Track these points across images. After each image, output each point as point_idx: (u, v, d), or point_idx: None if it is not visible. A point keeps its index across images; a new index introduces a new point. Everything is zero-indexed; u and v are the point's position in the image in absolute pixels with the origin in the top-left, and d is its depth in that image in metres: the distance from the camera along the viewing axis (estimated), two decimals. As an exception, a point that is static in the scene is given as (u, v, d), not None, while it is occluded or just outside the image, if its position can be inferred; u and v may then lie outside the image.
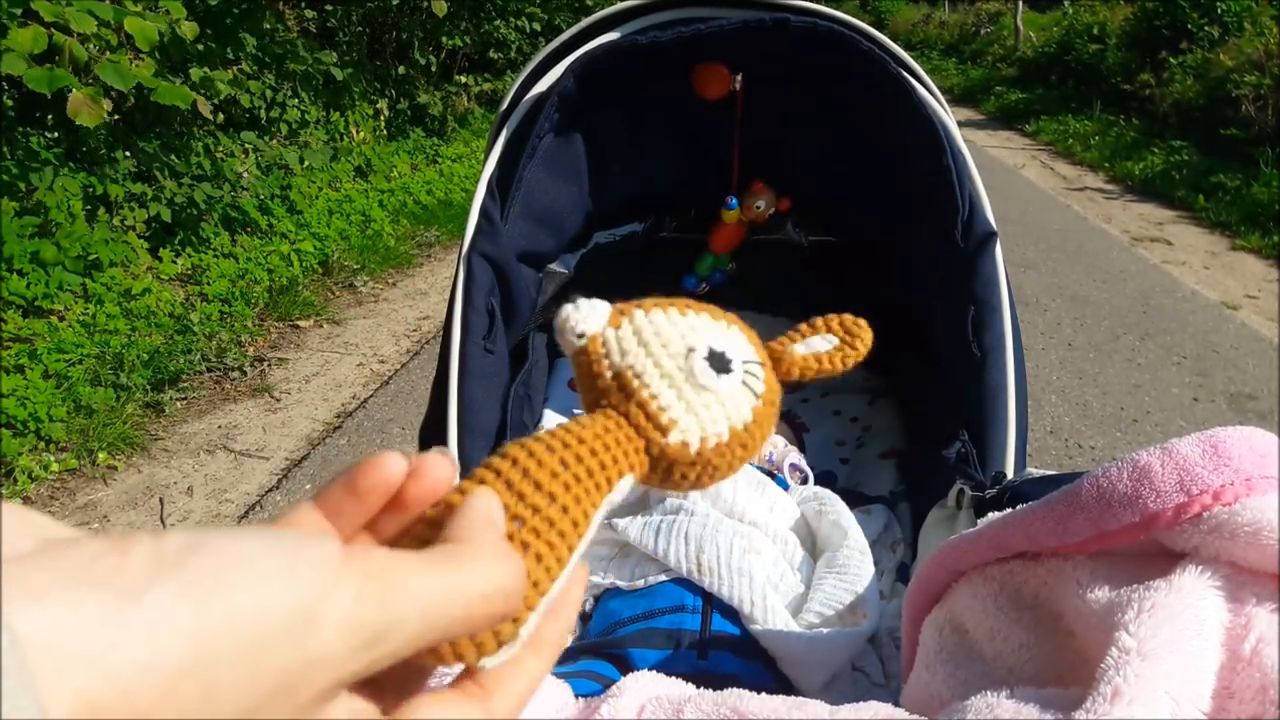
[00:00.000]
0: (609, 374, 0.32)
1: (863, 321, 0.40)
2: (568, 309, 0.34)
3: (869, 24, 0.99)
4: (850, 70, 0.96)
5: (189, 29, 2.73)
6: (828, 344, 0.39)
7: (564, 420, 1.40)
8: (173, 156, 3.37)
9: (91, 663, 0.17)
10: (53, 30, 2.24)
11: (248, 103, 3.86)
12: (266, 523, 0.23)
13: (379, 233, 4.13)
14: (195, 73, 3.22)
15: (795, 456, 1.04)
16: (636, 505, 0.92)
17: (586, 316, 0.33)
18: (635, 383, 0.32)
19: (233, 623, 0.19)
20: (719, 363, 0.33)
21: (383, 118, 5.25)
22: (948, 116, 0.96)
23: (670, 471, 0.32)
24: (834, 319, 0.40)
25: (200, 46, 3.28)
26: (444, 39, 5.31)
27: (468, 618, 0.24)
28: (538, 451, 0.28)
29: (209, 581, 0.19)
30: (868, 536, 0.89)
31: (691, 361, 0.32)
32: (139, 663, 0.18)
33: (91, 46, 2.50)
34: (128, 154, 3.25)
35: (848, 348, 0.39)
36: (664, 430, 0.31)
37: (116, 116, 3.26)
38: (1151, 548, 0.41)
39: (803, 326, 0.40)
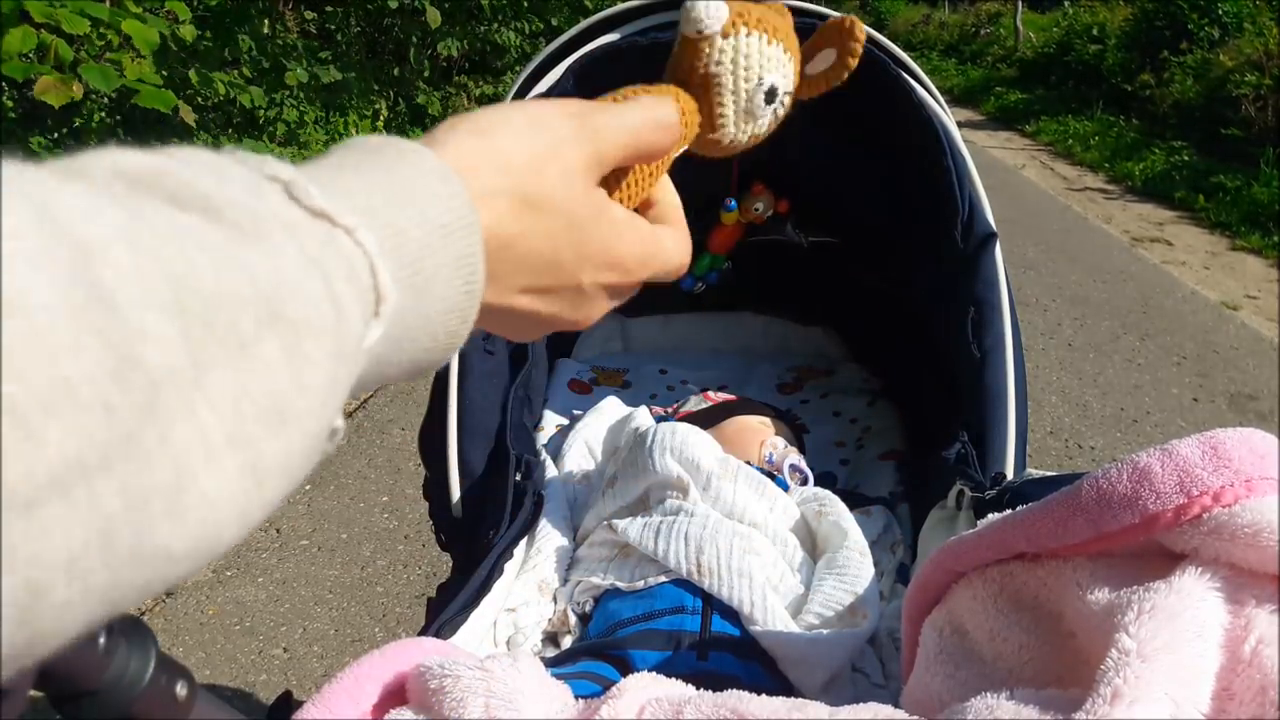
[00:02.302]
0: (701, 71, 0.43)
1: (856, 21, 0.46)
2: (700, 3, 0.41)
3: (868, 24, 0.99)
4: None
5: (188, 31, 2.72)
6: (827, 61, 0.46)
7: (563, 422, 1.37)
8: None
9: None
10: (41, 30, 2.24)
11: (247, 101, 3.85)
12: None
13: (379, 234, 4.11)
14: (193, 75, 3.22)
15: (795, 457, 1.04)
16: (636, 506, 0.92)
17: (714, 18, 0.42)
18: (715, 89, 0.43)
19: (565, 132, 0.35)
20: (770, 97, 0.44)
21: (382, 119, 5.25)
22: (947, 117, 0.96)
23: (699, 144, 0.44)
24: (831, 27, 0.46)
25: (202, 44, 3.28)
26: (440, 47, 5.29)
27: (653, 141, 0.39)
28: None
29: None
30: (867, 538, 0.89)
31: (754, 93, 0.43)
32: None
33: (87, 49, 2.49)
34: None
35: (848, 55, 0.45)
36: (714, 129, 0.44)
37: (117, 118, 3.26)
38: (1151, 549, 0.41)
39: (808, 45, 0.47)
